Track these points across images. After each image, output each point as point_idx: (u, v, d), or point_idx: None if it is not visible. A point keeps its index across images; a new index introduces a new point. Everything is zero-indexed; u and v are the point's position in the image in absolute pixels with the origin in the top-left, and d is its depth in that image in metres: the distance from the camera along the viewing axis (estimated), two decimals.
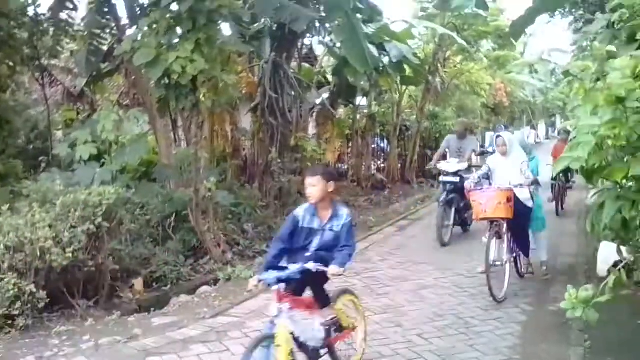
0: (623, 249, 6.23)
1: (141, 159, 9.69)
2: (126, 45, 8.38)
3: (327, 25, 12.87)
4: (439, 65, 19.49)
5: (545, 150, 15.84)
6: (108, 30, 11.07)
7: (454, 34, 17.82)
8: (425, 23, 17.68)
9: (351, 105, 17.56)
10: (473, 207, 7.82)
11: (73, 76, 14.26)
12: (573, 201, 14.11)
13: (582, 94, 3.70)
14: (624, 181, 3.69)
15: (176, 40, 8.17)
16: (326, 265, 4.46)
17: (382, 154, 19.98)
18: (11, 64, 10.36)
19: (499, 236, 7.43)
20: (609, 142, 3.48)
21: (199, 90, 8.66)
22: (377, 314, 6.81)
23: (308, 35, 14.39)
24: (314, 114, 16.66)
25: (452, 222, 10.38)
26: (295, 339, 4.46)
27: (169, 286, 8.10)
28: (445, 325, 6.44)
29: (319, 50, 17.19)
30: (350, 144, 18.38)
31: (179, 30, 8.24)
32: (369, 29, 13.61)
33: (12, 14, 9.97)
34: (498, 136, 8.02)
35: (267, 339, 4.28)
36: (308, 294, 4.82)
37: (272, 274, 4.35)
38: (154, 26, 8.22)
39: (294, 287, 4.56)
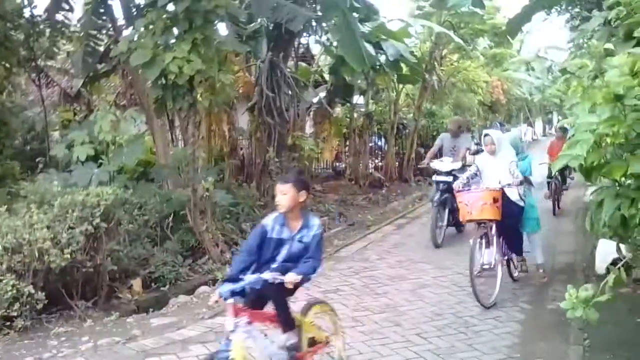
0: (622, 247, 6.26)
1: (138, 159, 9.66)
2: (123, 45, 8.37)
3: (324, 24, 12.87)
4: (435, 63, 19.49)
5: (542, 147, 15.86)
6: (104, 31, 11.05)
7: (451, 32, 17.86)
8: (421, 21, 17.74)
9: (348, 104, 17.56)
10: (459, 209, 7.62)
11: (69, 77, 14.20)
12: (569, 200, 14.13)
13: (580, 91, 3.70)
14: (623, 179, 3.69)
15: (173, 41, 8.15)
16: None
17: (380, 153, 19.98)
18: (7, 65, 10.32)
19: (487, 238, 7.22)
20: (608, 139, 3.48)
21: (196, 90, 8.66)
22: (376, 314, 6.82)
23: (305, 34, 14.41)
24: (311, 113, 16.67)
25: (445, 223, 10.15)
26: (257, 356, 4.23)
27: (167, 286, 8.09)
28: (444, 325, 6.44)
29: (316, 49, 17.22)
30: (347, 143, 18.40)
31: (175, 31, 8.22)
32: (366, 28, 13.64)
33: (8, 16, 9.93)
34: (486, 135, 7.69)
35: (222, 357, 4.08)
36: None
37: (227, 287, 4.07)
38: (151, 27, 8.19)
39: (253, 300, 4.32)
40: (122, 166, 9.26)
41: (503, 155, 7.43)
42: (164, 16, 8.15)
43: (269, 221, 4.54)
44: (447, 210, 10.15)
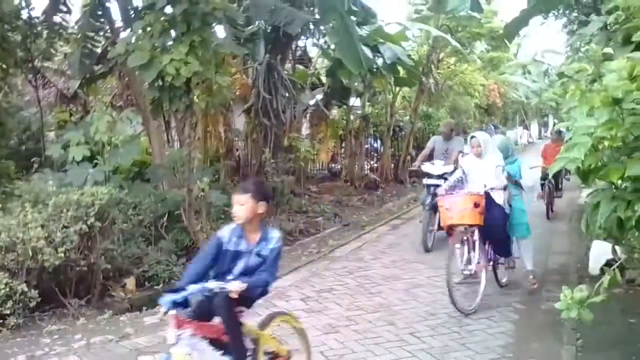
0: (618, 248, 6.29)
1: (134, 159, 9.68)
2: (120, 47, 8.38)
3: (321, 27, 12.92)
4: (432, 66, 19.57)
5: (537, 150, 15.91)
6: (102, 33, 11.06)
7: (448, 36, 17.94)
8: (419, 25, 17.81)
9: (345, 106, 17.61)
10: (440, 213, 7.45)
11: (66, 78, 14.23)
12: (564, 203, 14.10)
13: (578, 95, 3.73)
14: (620, 181, 3.72)
15: (170, 43, 8.17)
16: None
17: (376, 154, 20.04)
18: (4, 66, 10.33)
19: (469, 244, 6.92)
20: (605, 143, 3.52)
21: (192, 91, 8.67)
22: (370, 313, 6.83)
23: (302, 37, 14.45)
24: (308, 115, 16.72)
25: (436, 227, 9.84)
26: None
27: (161, 285, 8.06)
28: (438, 324, 6.44)
29: (313, 52, 17.24)
30: (343, 144, 18.42)
31: (173, 33, 8.25)
32: (363, 31, 13.69)
33: (5, 17, 9.96)
34: (472, 137, 7.44)
35: None
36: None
37: (168, 297, 3.78)
38: (148, 29, 8.21)
39: (201, 312, 4.02)
40: (117, 166, 9.27)
41: (489, 158, 7.22)
42: (162, 18, 8.17)
43: (225, 232, 4.24)
44: (438, 215, 10.00)
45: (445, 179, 9.39)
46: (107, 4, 10.52)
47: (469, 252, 6.92)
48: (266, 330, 4.41)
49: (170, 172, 9.84)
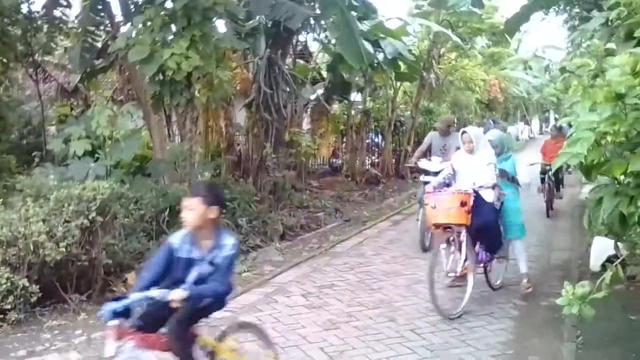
0: (620, 244, 6.29)
1: (135, 154, 9.67)
2: (121, 42, 8.36)
3: (322, 22, 12.89)
4: (433, 61, 19.55)
5: (538, 145, 15.87)
6: (102, 28, 11.01)
7: (449, 31, 17.93)
8: (420, 20, 17.80)
9: (346, 101, 17.59)
10: (426, 212, 7.18)
11: (67, 72, 14.18)
12: (564, 200, 14.03)
13: (580, 90, 3.73)
14: (622, 177, 3.71)
15: (171, 37, 8.16)
16: None
17: (377, 149, 20.03)
18: (5, 60, 10.30)
19: (455, 244, 6.59)
20: (608, 138, 3.51)
21: (193, 86, 8.68)
22: (371, 309, 6.84)
23: (303, 32, 14.41)
24: (309, 110, 16.69)
25: None
26: None
27: None
28: (438, 320, 6.44)
29: (314, 46, 17.22)
30: (344, 139, 18.39)
31: (173, 27, 8.23)
32: (364, 26, 13.65)
33: (5, 11, 9.92)
34: (464, 132, 7.06)
35: None
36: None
37: (109, 307, 3.59)
38: (149, 23, 8.19)
39: (145, 322, 3.81)
40: (118, 161, 9.26)
41: (481, 154, 6.89)
42: (162, 13, 8.16)
43: (176, 240, 3.99)
44: None
45: None
46: None
47: (454, 253, 6.61)
48: (224, 341, 4.20)
49: (171, 166, 9.83)
